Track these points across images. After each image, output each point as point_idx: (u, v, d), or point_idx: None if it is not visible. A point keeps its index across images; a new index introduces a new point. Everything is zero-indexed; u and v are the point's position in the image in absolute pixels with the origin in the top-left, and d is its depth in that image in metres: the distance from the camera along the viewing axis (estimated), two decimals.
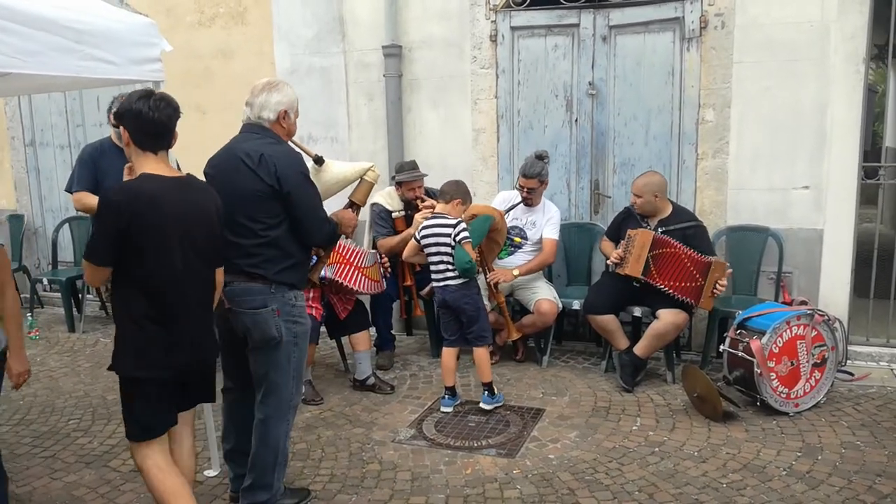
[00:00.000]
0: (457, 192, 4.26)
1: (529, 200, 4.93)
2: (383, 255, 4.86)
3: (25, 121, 7.07)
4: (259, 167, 2.85)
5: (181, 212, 2.56)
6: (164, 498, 2.63)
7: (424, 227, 4.24)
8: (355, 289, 4.49)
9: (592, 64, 5.23)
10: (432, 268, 4.26)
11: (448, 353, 4.33)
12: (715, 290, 4.41)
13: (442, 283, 4.22)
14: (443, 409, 4.29)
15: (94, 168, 4.43)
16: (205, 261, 2.67)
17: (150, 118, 2.53)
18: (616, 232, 4.78)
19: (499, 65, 5.41)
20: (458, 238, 4.14)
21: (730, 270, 4.53)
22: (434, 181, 5.09)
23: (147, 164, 2.58)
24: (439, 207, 4.30)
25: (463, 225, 4.17)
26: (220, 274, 2.79)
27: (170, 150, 2.69)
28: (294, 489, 3.31)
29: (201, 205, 2.65)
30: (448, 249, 4.16)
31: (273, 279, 2.92)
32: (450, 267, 4.18)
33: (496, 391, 4.32)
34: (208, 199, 2.70)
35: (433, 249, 4.21)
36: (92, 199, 4.18)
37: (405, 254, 4.47)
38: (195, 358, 2.68)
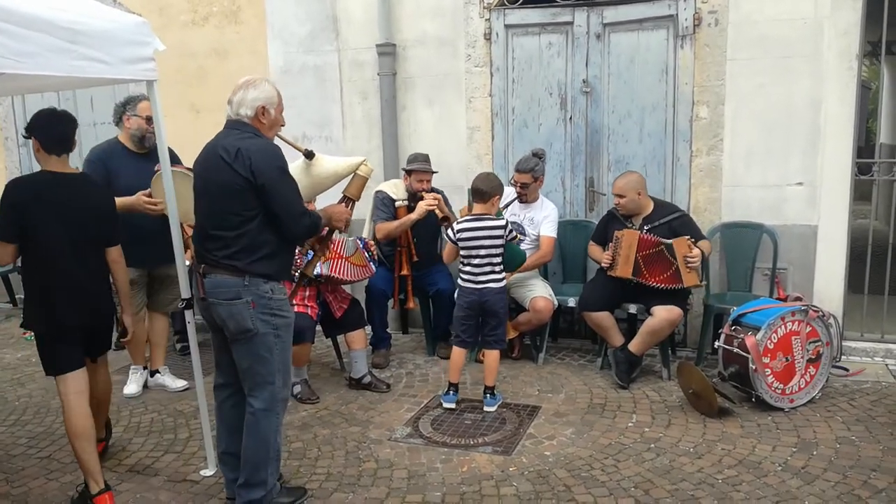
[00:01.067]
0: (493, 188, 4.19)
1: (524, 196, 4.94)
2: (367, 239, 4.86)
3: (19, 121, 7.01)
4: (235, 161, 2.87)
5: (63, 202, 3.11)
6: (68, 433, 3.20)
7: (463, 230, 4.17)
8: (340, 278, 4.48)
9: (586, 62, 5.23)
10: (473, 269, 4.20)
11: (460, 353, 4.34)
12: (689, 265, 4.41)
13: (482, 286, 4.19)
14: (445, 404, 4.29)
15: (105, 169, 4.29)
16: (90, 243, 3.21)
17: (58, 129, 3.18)
18: (602, 235, 4.80)
19: (493, 63, 5.41)
20: (510, 238, 4.18)
21: (690, 240, 4.48)
22: None
23: (50, 164, 3.19)
24: (477, 208, 4.23)
25: (510, 225, 4.20)
26: (113, 252, 3.34)
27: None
28: (291, 488, 3.31)
29: (83, 197, 3.20)
30: (498, 251, 4.16)
31: (246, 269, 2.92)
32: (495, 269, 4.18)
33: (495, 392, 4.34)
34: (91, 194, 3.26)
35: (482, 252, 4.16)
36: None
37: (446, 258, 4.48)
38: (80, 321, 3.18)
